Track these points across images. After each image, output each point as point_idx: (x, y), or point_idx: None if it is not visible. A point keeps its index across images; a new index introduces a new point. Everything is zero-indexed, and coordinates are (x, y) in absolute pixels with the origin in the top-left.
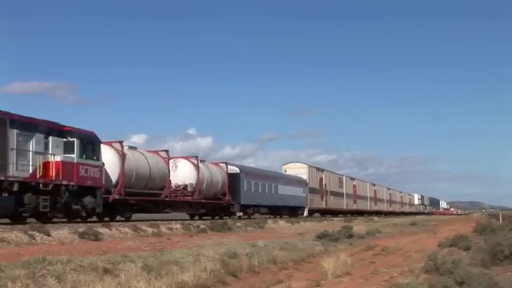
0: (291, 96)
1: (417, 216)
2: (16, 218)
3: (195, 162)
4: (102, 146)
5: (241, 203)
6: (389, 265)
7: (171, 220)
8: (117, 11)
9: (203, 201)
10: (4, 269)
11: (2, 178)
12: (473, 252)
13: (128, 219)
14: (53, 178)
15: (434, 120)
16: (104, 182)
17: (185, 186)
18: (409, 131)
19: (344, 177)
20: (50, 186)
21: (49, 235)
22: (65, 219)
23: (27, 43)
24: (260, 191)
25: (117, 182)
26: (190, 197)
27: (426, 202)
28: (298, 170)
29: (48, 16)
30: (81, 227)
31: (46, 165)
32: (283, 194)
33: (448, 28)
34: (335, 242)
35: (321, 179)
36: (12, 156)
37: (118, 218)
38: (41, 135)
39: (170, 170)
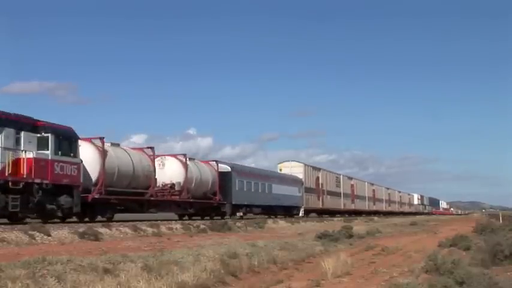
0: (291, 96)
1: (417, 216)
2: None
3: (183, 160)
4: (81, 142)
5: (233, 202)
6: (390, 265)
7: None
8: (117, 11)
9: (191, 200)
10: (4, 269)
11: None
12: (473, 252)
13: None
14: (24, 176)
15: (434, 120)
16: (82, 180)
17: (172, 185)
18: (409, 131)
19: (341, 176)
20: (21, 185)
21: (49, 235)
22: (60, 220)
23: (27, 43)
24: (253, 190)
25: (97, 181)
26: (177, 197)
27: (426, 202)
28: (294, 169)
29: (48, 16)
30: (81, 227)
31: (17, 162)
32: (278, 194)
33: (448, 28)
34: (335, 242)
35: (318, 178)
36: None
37: (111, 218)
38: (11, 130)
39: (157, 168)
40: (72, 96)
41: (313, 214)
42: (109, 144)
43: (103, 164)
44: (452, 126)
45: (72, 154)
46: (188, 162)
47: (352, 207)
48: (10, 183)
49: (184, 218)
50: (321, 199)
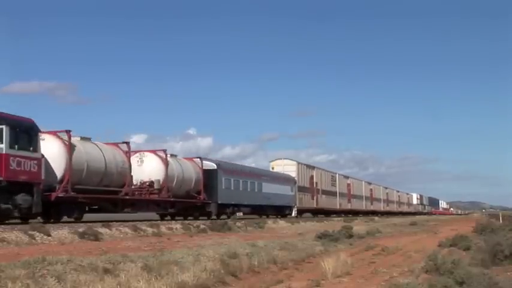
0: (291, 96)
1: (417, 216)
2: None
3: (164, 156)
4: (45, 136)
5: (219, 202)
6: (390, 265)
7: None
8: (117, 11)
9: (172, 200)
10: (4, 269)
11: None
12: (473, 252)
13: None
14: None
15: (434, 120)
16: (43, 177)
17: (151, 183)
18: (409, 131)
19: (337, 175)
20: None
21: (49, 235)
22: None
23: (27, 43)
24: (241, 189)
25: (62, 178)
26: (156, 195)
27: (425, 202)
28: (287, 167)
29: (48, 16)
30: (81, 227)
31: None
32: (268, 193)
33: (447, 28)
34: (335, 242)
35: (312, 177)
36: None
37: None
38: None
39: (135, 165)
40: (72, 96)
41: (308, 214)
42: (78, 139)
43: (70, 160)
44: (452, 126)
45: (31, 148)
46: (169, 158)
47: (349, 207)
48: None
49: (166, 218)
50: (315, 198)
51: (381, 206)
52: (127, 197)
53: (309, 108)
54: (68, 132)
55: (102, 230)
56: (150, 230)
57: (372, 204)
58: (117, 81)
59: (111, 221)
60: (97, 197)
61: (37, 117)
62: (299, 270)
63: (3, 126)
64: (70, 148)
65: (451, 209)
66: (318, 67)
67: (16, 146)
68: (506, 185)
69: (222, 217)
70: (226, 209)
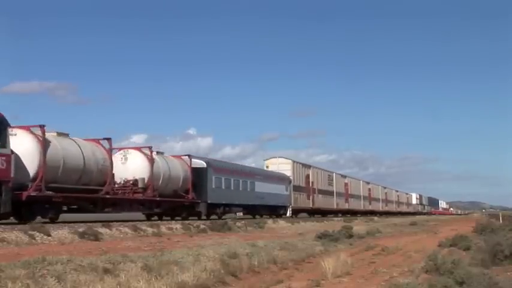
0: (291, 96)
1: (416, 216)
2: None
3: (149, 153)
4: (16, 131)
5: (209, 201)
6: (390, 265)
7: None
8: (117, 12)
9: (158, 199)
10: (4, 269)
11: None
12: (473, 252)
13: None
14: None
15: (434, 120)
16: (12, 175)
17: (135, 182)
18: (409, 131)
19: (334, 174)
20: None
21: (49, 235)
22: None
23: (27, 43)
24: (233, 188)
25: (36, 175)
26: (141, 194)
27: (425, 202)
28: (281, 165)
29: (48, 16)
30: (81, 227)
31: None
32: (262, 192)
33: (448, 28)
34: (335, 242)
35: (308, 176)
36: None
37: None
38: None
39: (119, 162)
40: (72, 96)
41: (304, 214)
42: (54, 134)
43: (44, 156)
44: (452, 126)
45: None
46: (155, 156)
47: (346, 206)
48: None
49: (153, 219)
50: (311, 198)
51: (379, 206)
52: (108, 196)
53: (309, 108)
54: (41, 127)
55: (102, 230)
56: (150, 230)
57: (370, 204)
58: (117, 82)
59: (111, 221)
60: (74, 196)
61: (37, 117)
62: (299, 270)
63: None
64: (44, 144)
65: (451, 209)
66: (318, 67)
67: None
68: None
69: (212, 217)
70: (217, 209)
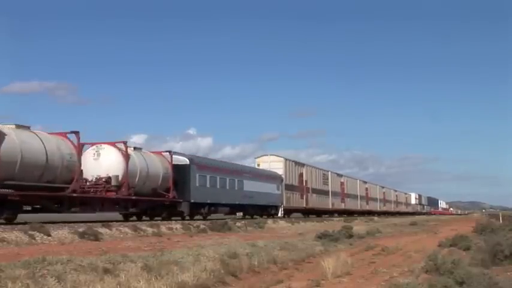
0: (291, 96)
1: (416, 216)
2: None
3: (124, 149)
4: None
5: (192, 200)
6: (390, 265)
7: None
8: (117, 12)
9: (134, 198)
10: (4, 269)
11: None
12: (473, 252)
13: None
14: None
15: (434, 120)
16: None
17: (108, 179)
18: (409, 131)
19: (329, 173)
20: None
21: (49, 235)
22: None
23: (27, 43)
24: (218, 186)
25: None
26: (114, 193)
27: (424, 202)
28: (273, 163)
29: (48, 17)
30: (81, 227)
31: None
32: (250, 191)
33: (447, 30)
34: (335, 242)
35: (301, 175)
36: None
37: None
38: None
39: (91, 158)
40: (72, 96)
41: (298, 214)
42: (13, 126)
43: None
44: (452, 126)
45: None
46: (131, 152)
47: (342, 206)
48: None
49: (131, 219)
50: (304, 198)
51: (377, 206)
52: (75, 195)
53: (309, 108)
54: None
55: (102, 230)
56: (150, 230)
57: (367, 204)
58: (117, 82)
59: (111, 221)
60: (34, 194)
61: (37, 117)
62: (299, 270)
63: None
64: None
65: (451, 209)
66: (317, 67)
67: None
68: (506, 185)
69: (196, 217)
70: (201, 209)
